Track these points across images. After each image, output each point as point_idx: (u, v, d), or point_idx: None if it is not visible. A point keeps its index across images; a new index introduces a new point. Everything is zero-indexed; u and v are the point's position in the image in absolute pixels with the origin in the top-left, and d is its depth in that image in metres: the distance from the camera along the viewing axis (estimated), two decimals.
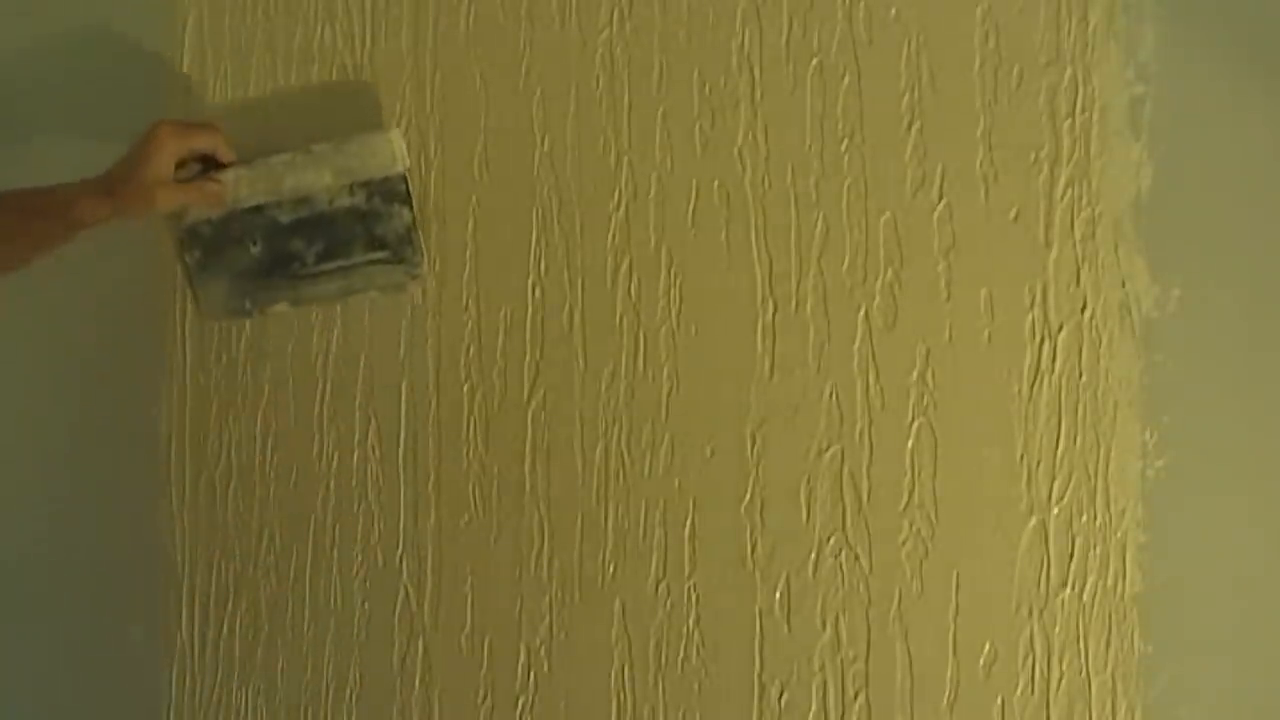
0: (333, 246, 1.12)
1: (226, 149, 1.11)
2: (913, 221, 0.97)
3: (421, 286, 1.12)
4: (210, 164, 1.12)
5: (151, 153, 1.05)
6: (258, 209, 1.13)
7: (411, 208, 1.10)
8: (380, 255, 1.11)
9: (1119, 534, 0.92)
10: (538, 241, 1.09)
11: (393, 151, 1.09)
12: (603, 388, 1.06)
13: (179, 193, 1.08)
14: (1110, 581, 0.93)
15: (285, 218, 1.12)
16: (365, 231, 1.11)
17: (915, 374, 0.97)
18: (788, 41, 1.01)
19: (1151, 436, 0.92)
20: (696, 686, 1.04)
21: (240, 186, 1.12)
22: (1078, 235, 0.93)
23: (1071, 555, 0.93)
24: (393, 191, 1.10)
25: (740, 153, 1.02)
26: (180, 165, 1.08)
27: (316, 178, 1.11)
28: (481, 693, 1.12)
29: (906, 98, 0.97)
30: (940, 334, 0.96)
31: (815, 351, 1.00)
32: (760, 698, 1.02)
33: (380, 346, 1.14)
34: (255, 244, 1.14)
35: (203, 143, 1.09)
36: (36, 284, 1.24)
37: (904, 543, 0.97)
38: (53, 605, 1.26)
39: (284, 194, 1.12)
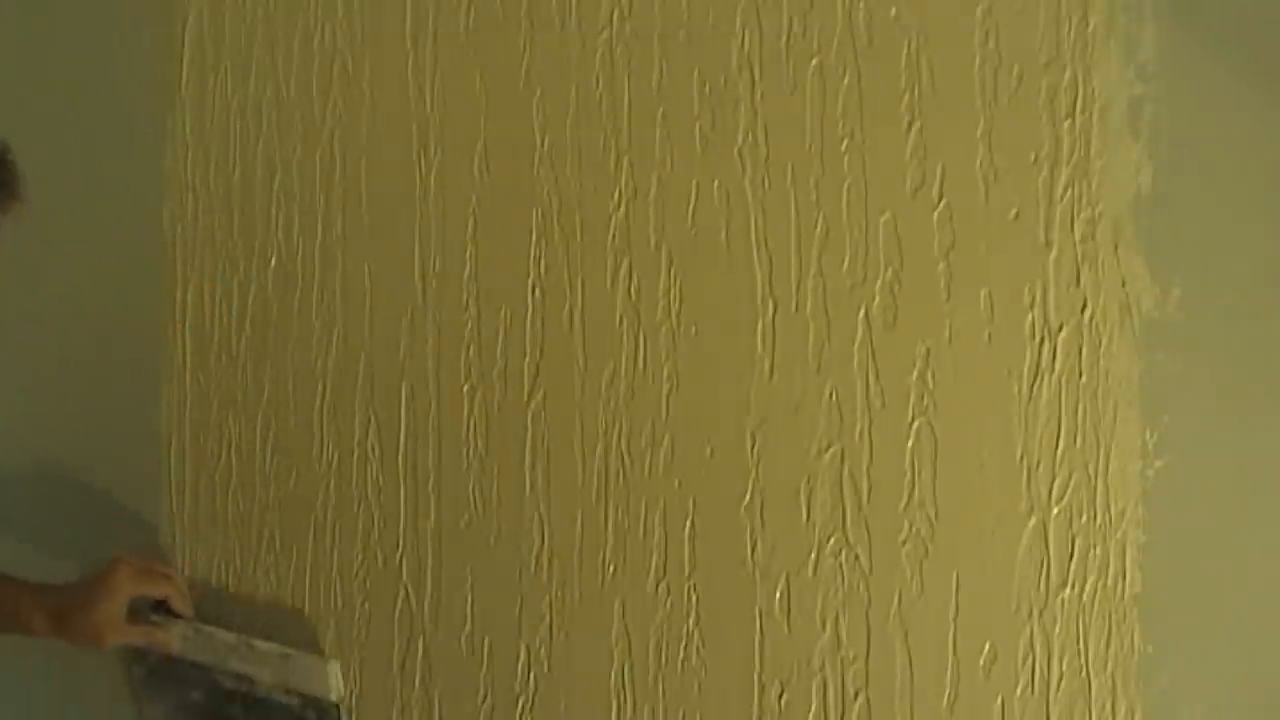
0: None
1: (182, 600, 1.16)
2: (913, 221, 0.97)
3: None
4: (162, 604, 1.15)
5: (106, 595, 1.10)
6: (201, 666, 1.16)
7: None
8: None
9: (1119, 534, 0.92)
10: (538, 241, 1.09)
11: (328, 683, 1.12)
12: (603, 388, 1.06)
13: (127, 634, 1.12)
14: (1110, 581, 0.93)
15: (227, 684, 1.15)
16: None
17: (915, 374, 0.97)
18: (788, 41, 1.01)
19: (1151, 436, 0.92)
20: (696, 686, 1.04)
21: (186, 645, 1.15)
22: (1078, 235, 0.93)
23: (1071, 555, 0.93)
24: (325, 712, 1.12)
25: (740, 153, 1.02)
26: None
27: (257, 671, 1.13)
28: (481, 693, 1.12)
29: (906, 98, 0.97)
30: (940, 334, 0.96)
31: (815, 351, 1.00)
32: (760, 698, 1.02)
33: (380, 346, 1.14)
34: (197, 691, 1.17)
35: (159, 592, 1.14)
36: (37, 284, 1.25)
37: (904, 543, 0.97)
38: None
39: (226, 668, 1.14)
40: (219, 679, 1.15)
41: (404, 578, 1.14)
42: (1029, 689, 0.95)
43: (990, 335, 0.95)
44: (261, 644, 1.13)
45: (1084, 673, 0.93)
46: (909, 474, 0.97)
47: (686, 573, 1.04)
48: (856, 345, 0.99)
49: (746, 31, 1.02)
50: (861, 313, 0.99)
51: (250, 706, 1.15)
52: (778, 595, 1.01)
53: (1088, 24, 0.93)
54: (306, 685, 1.13)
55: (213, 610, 1.17)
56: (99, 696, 1.25)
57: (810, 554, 1.00)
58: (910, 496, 0.97)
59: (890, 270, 0.98)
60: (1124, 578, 0.92)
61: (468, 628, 1.12)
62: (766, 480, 1.01)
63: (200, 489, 1.22)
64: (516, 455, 1.10)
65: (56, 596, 1.11)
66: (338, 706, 1.13)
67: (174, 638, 1.13)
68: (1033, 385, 0.94)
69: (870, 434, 0.98)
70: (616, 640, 1.07)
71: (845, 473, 0.99)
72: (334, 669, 1.13)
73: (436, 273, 1.12)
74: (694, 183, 1.04)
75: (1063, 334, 0.94)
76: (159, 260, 1.22)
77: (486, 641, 1.12)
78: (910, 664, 0.98)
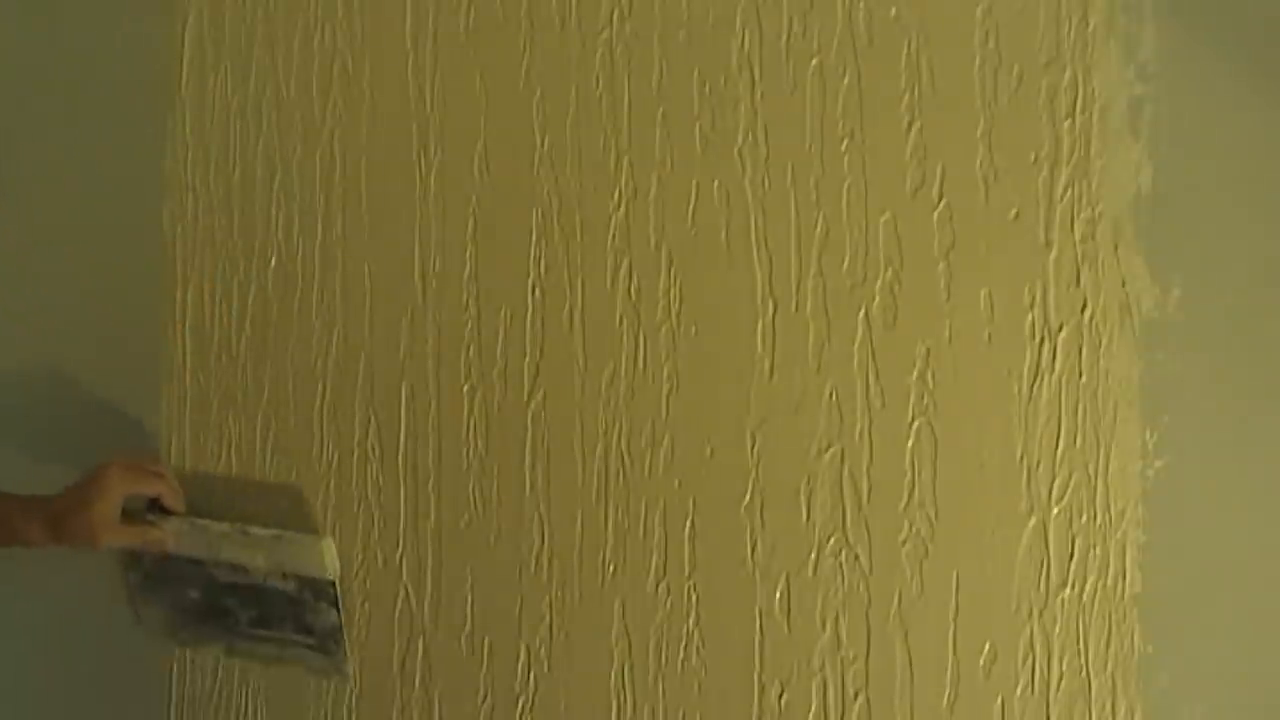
0: (265, 617, 1.16)
1: (175, 497, 1.15)
2: (913, 221, 0.97)
3: (342, 680, 1.15)
4: (157, 504, 1.15)
5: (98, 495, 1.09)
6: (198, 561, 1.16)
7: (339, 610, 1.12)
8: (308, 641, 1.14)
9: (1119, 534, 0.92)
10: (538, 241, 1.09)
11: (323, 561, 1.12)
12: (603, 388, 1.06)
13: (122, 534, 1.12)
14: (1110, 581, 0.93)
15: (223, 578, 1.16)
16: (295, 616, 1.14)
17: (915, 374, 0.97)
18: (788, 41, 1.01)
19: (1151, 436, 0.92)
20: (696, 686, 1.04)
21: (182, 540, 1.15)
22: (1078, 235, 0.93)
23: (1071, 555, 0.93)
24: (322, 592, 1.12)
25: (740, 153, 1.02)
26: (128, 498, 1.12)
27: (250, 558, 1.13)
28: (481, 693, 1.12)
29: (906, 98, 0.97)
30: (940, 334, 0.96)
31: (815, 351, 1.00)
32: (760, 698, 1.02)
33: (380, 346, 1.14)
34: (194, 590, 1.17)
35: (151, 489, 1.14)
36: (37, 284, 1.24)
37: (904, 543, 0.97)
38: (53, 604, 1.26)
39: (221, 559, 1.14)
40: (214, 572, 1.15)
41: (404, 578, 1.14)
42: (1029, 689, 0.95)
43: (990, 335, 0.95)
44: (256, 530, 1.13)
45: (1084, 673, 0.93)
46: (909, 474, 0.97)
47: (686, 573, 1.04)
48: (856, 345, 0.99)
49: (746, 31, 1.02)
50: (861, 313, 0.99)
51: (246, 597, 1.15)
52: (778, 595, 1.01)
53: (1088, 24, 0.93)
54: (301, 566, 1.13)
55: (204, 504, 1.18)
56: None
57: (810, 554, 1.00)
58: (910, 496, 0.97)
59: (890, 270, 0.98)
60: (1124, 578, 0.92)
61: (468, 628, 1.12)
62: (766, 480, 1.01)
63: None
64: (516, 455, 1.10)
65: (50, 503, 1.11)
66: (333, 584, 1.13)
67: (169, 534, 1.13)
68: (1033, 385, 0.94)
69: (870, 434, 0.98)
70: (616, 640, 1.07)
71: (845, 473, 0.99)
72: (328, 546, 1.12)
73: (436, 273, 1.12)
74: (694, 183, 1.04)
75: (1063, 334, 0.94)
76: (159, 260, 1.22)
77: (486, 641, 1.12)
78: (910, 664, 0.97)
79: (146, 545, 1.14)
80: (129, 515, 1.12)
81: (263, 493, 1.17)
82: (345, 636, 1.13)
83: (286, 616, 1.14)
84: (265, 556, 1.13)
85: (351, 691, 1.17)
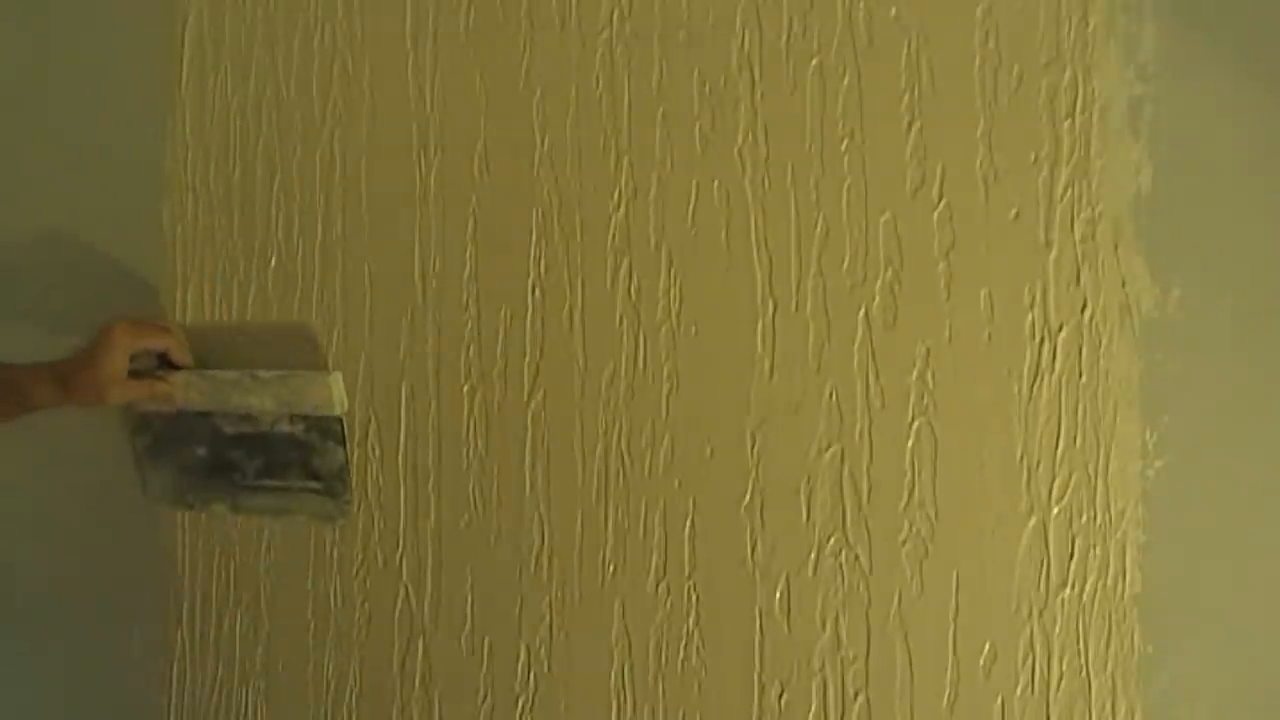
0: (271, 466, 1.16)
1: (181, 351, 1.15)
2: (913, 221, 0.97)
3: (347, 520, 1.15)
4: (165, 360, 1.15)
5: (105, 350, 1.09)
6: (205, 415, 1.16)
7: (346, 448, 1.13)
8: (314, 485, 1.15)
9: (1119, 534, 0.92)
10: (538, 241, 1.09)
11: (331, 395, 1.12)
12: (603, 388, 1.06)
13: (130, 390, 1.12)
14: (1110, 581, 0.93)
15: (229, 429, 1.16)
16: (301, 460, 1.14)
17: (915, 374, 0.97)
18: (788, 41, 1.01)
19: (1151, 436, 0.92)
20: (696, 686, 1.04)
21: (190, 392, 1.15)
22: (1078, 235, 0.93)
23: (1071, 555, 0.93)
24: (329, 430, 1.13)
25: (740, 153, 1.02)
26: (135, 356, 1.12)
27: (259, 401, 1.14)
28: (481, 693, 1.12)
29: (906, 98, 0.97)
30: (940, 334, 0.96)
31: (815, 351, 1.00)
32: (760, 698, 1.02)
33: (380, 346, 1.14)
34: (201, 446, 1.17)
35: (157, 344, 1.14)
36: (36, 284, 1.25)
37: (904, 543, 0.97)
38: (54, 605, 1.26)
39: (229, 408, 1.15)
40: (221, 425, 1.16)
41: (404, 578, 1.14)
42: (1029, 689, 0.95)
43: (990, 335, 0.95)
44: (263, 372, 1.13)
45: (1084, 673, 0.93)
46: (909, 474, 0.97)
47: (686, 573, 1.04)
48: (856, 345, 0.99)
49: (746, 31, 1.02)
50: (861, 313, 0.99)
51: (253, 447, 1.16)
52: (778, 595, 1.01)
53: (1088, 24, 0.93)
54: (309, 404, 1.13)
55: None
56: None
57: (810, 554, 1.00)
58: (910, 496, 0.97)
59: (890, 270, 0.98)
60: (1124, 578, 0.92)
61: (468, 628, 1.12)
62: (766, 480, 1.01)
63: None
64: (516, 455, 1.10)
65: (57, 365, 1.11)
66: (341, 420, 1.13)
67: (177, 386, 1.14)
68: (1033, 385, 0.94)
69: (870, 434, 0.98)
70: (616, 640, 1.07)
71: (845, 473, 0.99)
72: (336, 380, 1.13)
73: (436, 273, 1.12)
74: (694, 183, 1.04)
75: (1063, 334, 0.94)
76: (159, 260, 1.22)
77: (486, 641, 1.12)
78: (910, 664, 0.98)
79: (154, 399, 1.14)
80: (137, 375, 1.13)
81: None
82: (351, 476, 1.13)
83: (293, 462, 1.14)
84: (273, 398, 1.13)
85: (352, 691, 1.17)
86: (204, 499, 1.19)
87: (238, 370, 1.14)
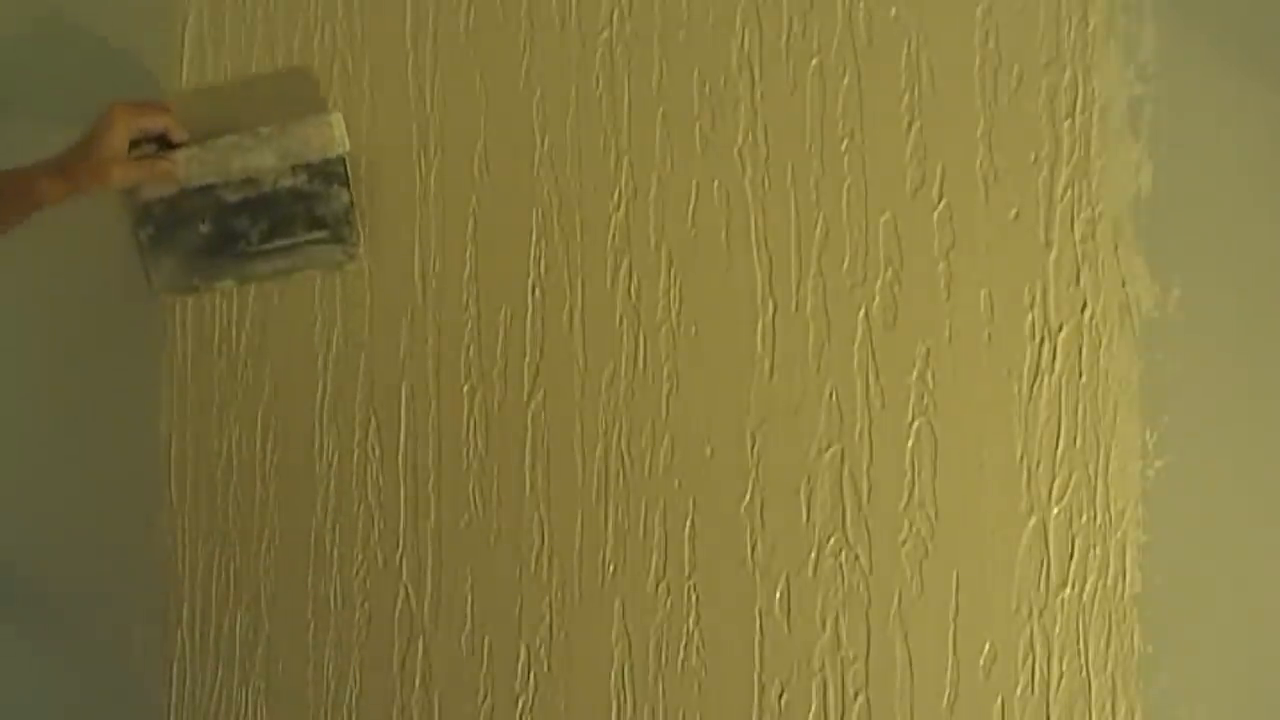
0: (276, 226, 1.15)
1: (178, 129, 1.15)
2: (913, 221, 0.97)
3: (356, 264, 1.15)
4: (164, 144, 1.15)
5: (104, 131, 1.08)
6: (207, 189, 1.16)
7: (349, 189, 1.13)
8: (320, 235, 1.14)
9: (1119, 534, 0.92)
10: (538, 241, 1.09)
11: (333, 135, 1.12)
12: (603, 388, 1.06)
13: (132, 170, 1.11)
14: (1110, 581, 0.93)
15: (232, 197, 1.16)
16: (306, 212, 1.14)
17: (915, 374, 0.97)
18: (788, 41, 1.01)
19: (1151, 436, 0.92)
20: (696, 686, 1.04)
21: (191, 166, 1.15)
22: (1078, 235, 0.93)
23: (1071, 555, 0.93)
24: (332, 173, 1.13)
25: (740, 153, 1.02)
26: (134, 145, 1.11)
27: (261, 159, 1.14)
28: (481, 693, 1.12)
29: (906, 98, 0.97)
30: (940, 334, 0.96)
31: (815, 351, 1.00)
32: (760, 698, 1.02)
33: (380, 346, 1.14)
34: (204, 223, 1.17)
35: (155, 122, 1.12)
36: (36, 283, 1.24)
37: (904, 543, 0.97)
38: (54, 605, 1.26)
39: (232, 175, 1.15)
40: (224, 195, 1.16)
41: (404, 578, 1.14)
42: (1029, 689, 0.95)
43: (990, 335, 0.95)
44: (263, 129, 1.13)
45: (1084, 673, 0.93)
46: (909, 474, 0.97)
47: (686, 573, 1.04)
48: (856, 345, 0.99)
49: (746, 31, 1.02)
50: (861, 313, 0.99)
51: (257, 211, 1.15)
52: (778, 595, 1.01)
53: (1088, 24, 0.93)
54: (312, 148, 1.13)
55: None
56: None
57: (810, 554, 1.00)
58: (910, 496, 0.97)
59: (890, 270, 0.98)
60: (1124, 578, 0.93)
61: (468, 628, 1.12)
62: (766, 480, 1.01)
63: (200, 489, 1.21)
64: (516, 455, 1.10)
65: (55, 158, 1.10)
66: (344, 160, 1.13)
67: (178, 162, 1.14)
68: (1033, 385, 0.94)
69: (870, 434, 0.98)
70: (616, 640, 1.07)
71: (845, 473, 0.99)
72: (337, 120, 1.13)
73: (436, 273, 1.12)
74: (694, 183, 1.04)
75: (1063, 334, 0.94)
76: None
77: (486, 641, 1.12)
78: (910, 664, 0.98)
79: (157, 178, 1.13)
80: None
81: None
82: (357, 216, 1.14)
83: (297, 216, 1.15)
84: (275, 152, 1.13)
85: (351, 691, 1.17)
86: (209, 278, 1.18)
87: (237, 134, 1.14)
